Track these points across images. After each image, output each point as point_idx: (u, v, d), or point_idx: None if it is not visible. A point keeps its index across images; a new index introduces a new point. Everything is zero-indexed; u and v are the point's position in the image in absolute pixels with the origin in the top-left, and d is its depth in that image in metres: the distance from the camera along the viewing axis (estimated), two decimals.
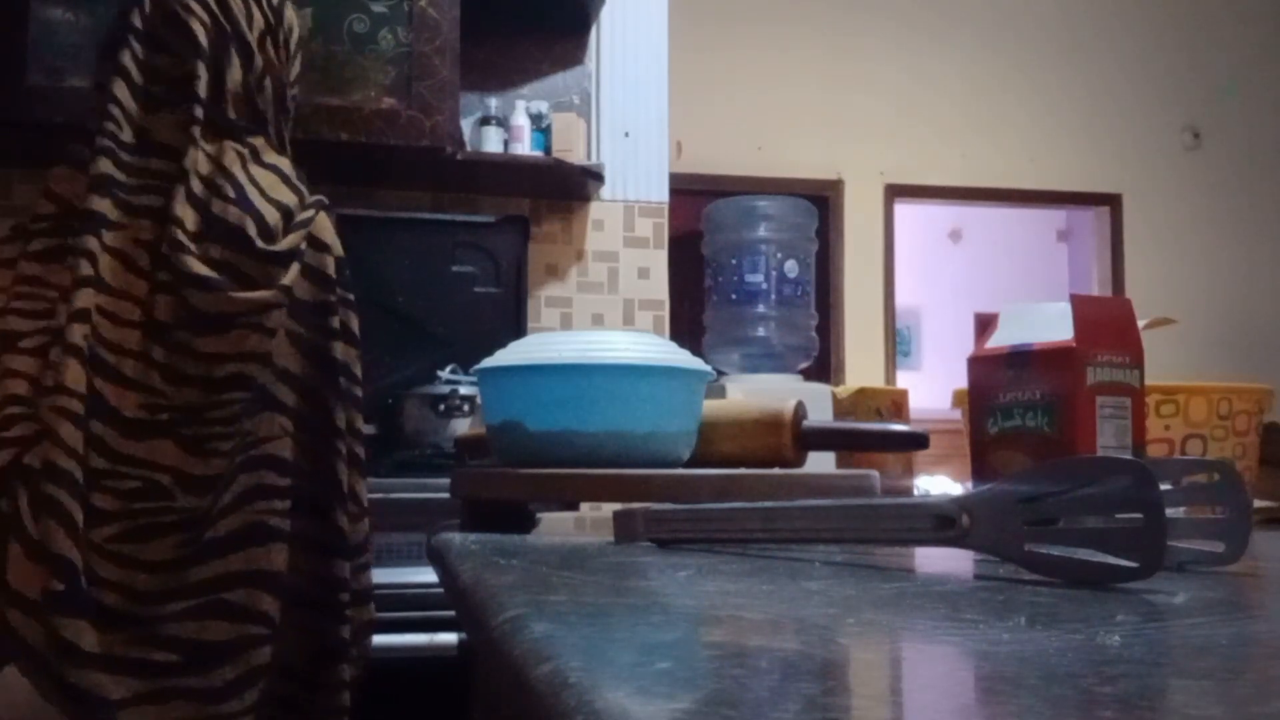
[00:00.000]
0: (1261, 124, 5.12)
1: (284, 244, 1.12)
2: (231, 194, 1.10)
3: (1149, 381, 0.92)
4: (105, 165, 1.08)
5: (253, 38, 1.18)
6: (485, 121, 2.40)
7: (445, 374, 2.16)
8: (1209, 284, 4.98)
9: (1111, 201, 5.03)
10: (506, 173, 2.34)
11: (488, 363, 0.94)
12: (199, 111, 1.13)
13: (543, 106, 2.44)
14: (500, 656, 0.40)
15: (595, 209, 2.54)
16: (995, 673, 0.35)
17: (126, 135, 1.11)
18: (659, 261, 2.58)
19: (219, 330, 1.06)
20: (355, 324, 1.21)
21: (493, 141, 2.37)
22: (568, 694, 0.30)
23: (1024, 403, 0.91)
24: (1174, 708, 0.31)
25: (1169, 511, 0.51)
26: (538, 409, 0.90)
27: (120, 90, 1.12)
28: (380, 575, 1.71)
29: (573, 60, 2.55)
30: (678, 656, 0.37)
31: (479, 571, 0.58)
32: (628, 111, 2.57)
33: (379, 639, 1.66)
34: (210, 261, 1.07)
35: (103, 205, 1.07)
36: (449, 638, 1.66)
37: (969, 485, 0.99)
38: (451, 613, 1.60)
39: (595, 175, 2.37)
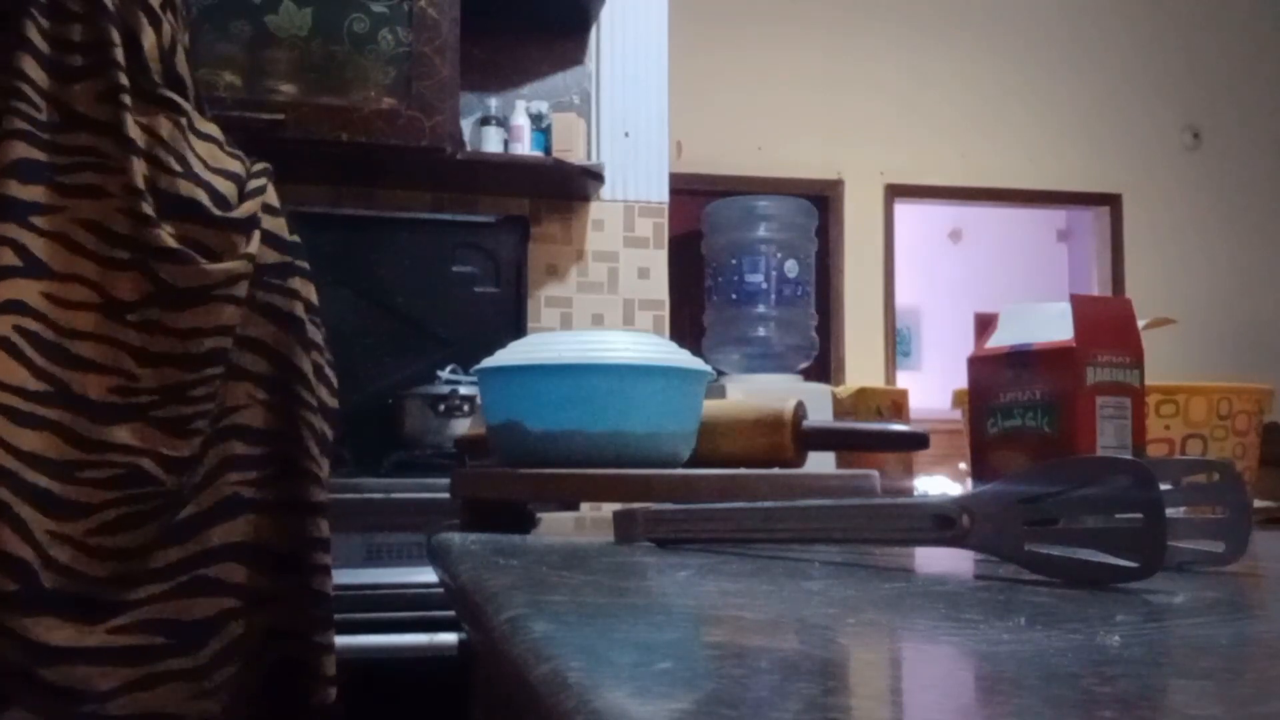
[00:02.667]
0: (1261, 124, 5.12)
1: (242, 211, 1.09)
2: (177, 167, 1.07)
3: (1149, 381, 0.92)
4: (21, 149, 1.02)
5: (155, 1, 1.12)
6: (485, 121, 2.40)
7: (445, 374, 2.16)
8: (1209, 284, 4.98)
9: (1111, 201, 5.03)
10: (506, 173, 2.34)
11: (488, 363, 0.94)
12: (123, 79, 1.06)
13: (543, 106, 2.44)
14: (500, 656, 0.40)
15: (595, 209, 2.54)
16: (995, 673, 0.35)
17: (44, 113, 1.04)
18: (659, 261, 2.58)
19: (193, 304, 1.04)
20: (310, 290, 1.18)
21: (493, 141, 2.37)
22: (568, 694, 0.30)
23: (1024, 403, 0.91)
24: (1174, 708, 0.31)
25: (1169, 511, 0.51)
26: (538, 409, 0.90)
27: (29, 65, 1.04)
28: (380, 575, 1.71)
29: (573, 60, 2.55)
30: (678, 656, 0.37)
31: (479, 571, 0.58)
32: (628, 111, 2.57)
33: (379, 639, 1.66)
34: (170, 237, 1.04)
35: (26, 191, 1.01)
36: (449, 638, 1.66)
37: (969, 485, 0.99)
38: (451, 613, 1.60)
39: (595, 175, 2.37)
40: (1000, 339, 0.96)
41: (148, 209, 1.03)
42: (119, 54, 1.07)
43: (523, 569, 0.60)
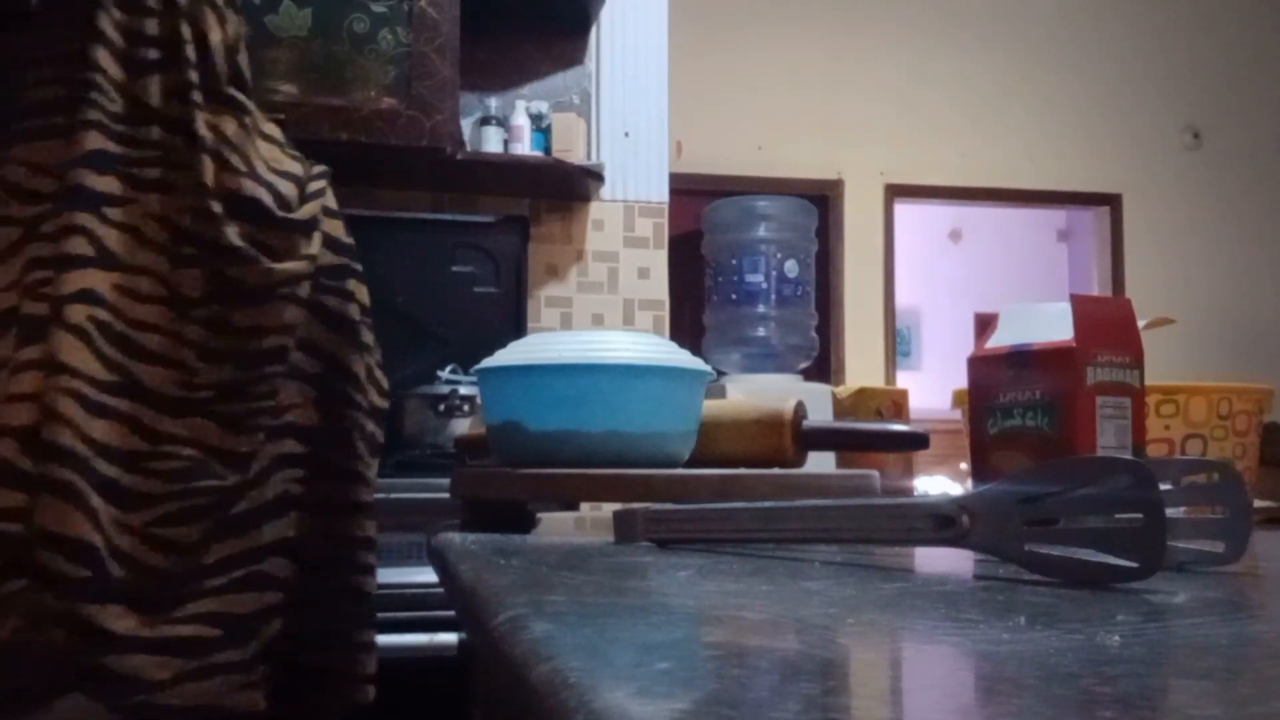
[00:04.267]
0: (1261, 124, 5.12)
1: (303, 212, 1.11)
2: (242, 167, 1.08)
3: (1149, 381, 0.92)
4: (96, 139, 1.03)
5: (224, 8, 1.13)
6: (485, 121, 2.40)
7: (445, 374, 2.16)
8: (1209, 284, 4.98)
9: (1111, 201, 5.03)
10: (506, 173, 2.34)
11: (488, 363, 0.94)
12: (194, 75, 1.08)
13: (543, 106, 2.44)
14: (500, 656, 0.40)
15: (595, 209, 2.54)
16: (995, 673, 0.35)
17: (117, 105, 1.05)
18: (659, 261, 2.58)
19: (256, 303, 1.05)
20: (363, 292, 1.19)
21: (493, 141, 2.37)
22: (568, 694, 0.30)
23: (1024, 403, 0.91)
24: (1174, 708, 0.31)
25: (1169, 511, 0.51)
26: (538, 409, 0.90)
27: (103, 57, 1.05)
28: (381, 575, 1.71)
29: (573, 60, 2.55)
30: (678, 656, 0.37)
31: (479, 571, 0.58)
32: (628, 111, 2.57)
33: (379, 639, 1.66)
34: (236, 236, 1.05)
35: (101, 182, 1.02)
36: (449, 638, 1.66)
37: (969, 485, 0.99)
38: (451, 613, 1.60)
39: (595, 175, 2.37)
40: (1000, 339, 0.96)
41: (217, 208, 1.04)
42: (190, 50, 1.08)
43: (523, 569, 0.60)
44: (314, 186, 1.14)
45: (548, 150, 2.36)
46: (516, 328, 2.41)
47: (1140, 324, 0.93)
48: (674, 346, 0.96)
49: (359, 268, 1.19)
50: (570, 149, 2.34)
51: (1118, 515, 0.53)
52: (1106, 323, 0.90)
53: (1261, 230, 5.09)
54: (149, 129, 1.06)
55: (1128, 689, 0.32)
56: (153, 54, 1.08)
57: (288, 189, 1.11)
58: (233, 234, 1.04)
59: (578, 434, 0.89)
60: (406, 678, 1.68)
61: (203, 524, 1.03)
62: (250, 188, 1.07)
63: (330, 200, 1.16)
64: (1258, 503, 0.95)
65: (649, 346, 0.93)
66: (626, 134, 2.57)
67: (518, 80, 2.50)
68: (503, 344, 0.97)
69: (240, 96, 1.12)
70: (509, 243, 2.45)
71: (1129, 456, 0.87)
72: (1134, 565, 0.51)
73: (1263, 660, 0.39)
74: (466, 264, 2.43)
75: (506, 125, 2.38)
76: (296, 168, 1.15)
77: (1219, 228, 5.06)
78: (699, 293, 3.26)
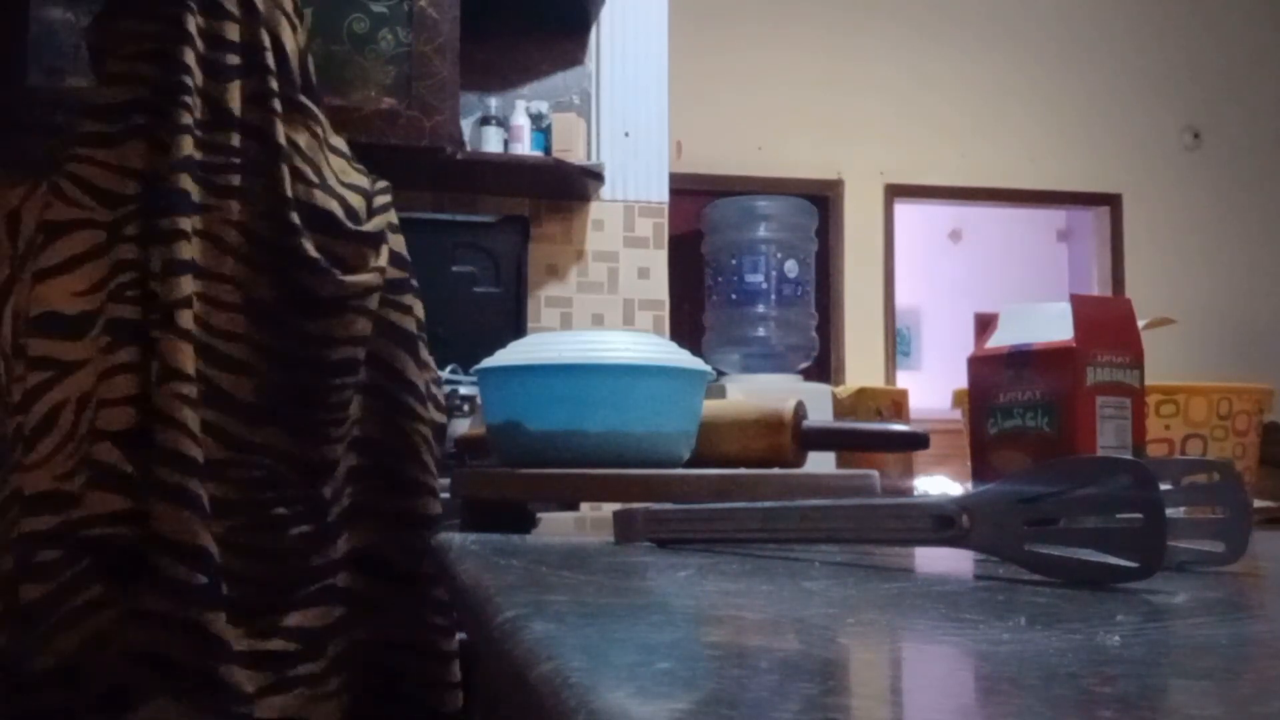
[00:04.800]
0: (1261, 124, 5.12)
1: (372, 225, 1.11)
2: (314, 178, 1.08)
3: (1149, 381, 0.92)
4: (188, 144, 1.02)
5: (290, 5, 1.13)
6: (485, 121, 2.40)
7: (445, 374, 2.16)
8: (1209, 284, 4.98)
9: (1111, 201, 5.03)
10: (506, 173, 2.34)
11: (488, 363, 0.94)
12: (274, 83, 1.07)
13: (543, 106, 2.44)
14: (500, 656, 0.40)
15: (595, 209, 2.54)
16: (995, 673, 0.35)
17: (199, 109, 1.04)
18: (659, 261, 2.58)
19: (330, 314, 1.05)
20: (419, 307, 1.19)
21: (493, 141, 2.37)
22: (568, 694, 0.30)
23: (1024, 403, 0.91)
24: (1174, 708, 0.31)
25: (1169, 511, 0.51)
26: (538, 409, 0.90)
27: (190, 59, 1.04)
28: None
29: (573, 60, 2.55)
30: (678, 656, 0.37)
31: (479, 571, 0.58)
32: (628, 111, 2.57)
33: None
34: (311, 247, 1.05)
35: (191, 186, 1.02)
36: None
37: (969, 485, 0.99)
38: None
39: (595, 175, 2.37)
40: (1000, 339, 0.96)
41: (296, 218, 1.04)
42: (269, 58, 1.08)
43: (523, 569, 0.60)
44: (380, 201, 1.15)
45: (548, 150, 2.36)
46: (516, 328, 2.41)
47: (1140, 324, 0.93)
48: (674, 346, 0.96)
49: (416, 283, 1.19)
50: (570, 149, 2.34)
51: (1118, 515, 0.53)
52: (1106, 323, 0.90)
53: (1261, 230, 5.09)
54: (228, 135, 1.06)
55: (1128, 689, 0.32)
56: (233, 59, 1.07)
57: (356, 201, 1.11)
58: (309, 245, 1.04)
59: (578, 434, 0.89)
60: None
61: (285, 534, 1.03)
62: (323, 199, 1.08)
63: (393, 215, 1.17)
64: (1258, 503, 0.95)
65: (649, 346, 0.93)
66: (626, 134, 2.57)
67: (518, 80, 2.50)
68: (503, 344, 0.97)
69: (312, 105, 1.12)
70: (509, 243, 2.45)
71: (1129, 456, 0.87)
72: (1134, 565, 0.51)
73: (1263, 660, 0.39)
74: (466, 264, 2.43)
75: (506, 125, 2.38)
76: (363, 180, 1.15)
77: (1219, 228, 5.06)
78: (699, 293, 3.26)
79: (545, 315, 2.50)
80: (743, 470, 0.95)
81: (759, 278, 3.04)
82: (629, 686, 0.31)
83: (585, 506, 1.17)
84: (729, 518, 0.70)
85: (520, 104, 2.41)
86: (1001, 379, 0.93)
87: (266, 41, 1.08)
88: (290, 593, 1.02)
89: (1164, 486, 0.52)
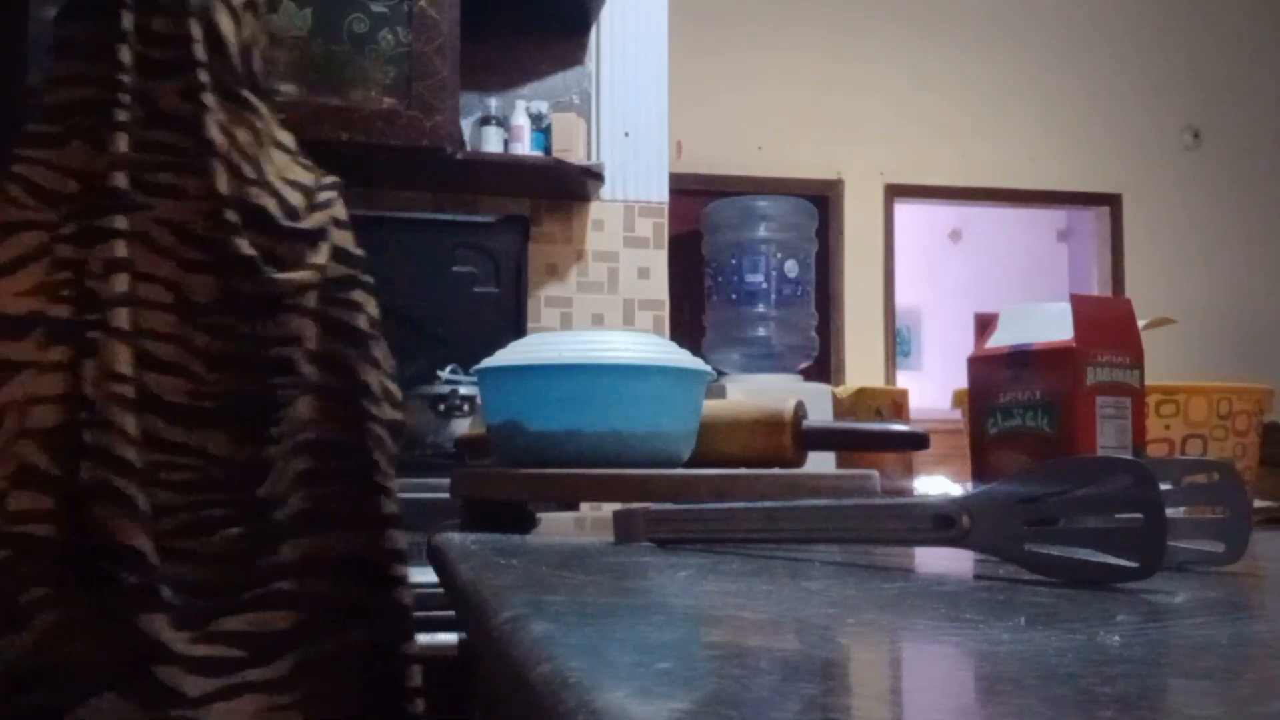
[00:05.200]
0: (1261, 124, 5.12)
1: (311, 222, 1.10)
2: (251, 174, 1.07)
3: (1149, 381, 0.92)
4: (124, 142, 1.02)
5: (238, 9, 1.12)
6: (485, 121, 2.40)
7: (445, 374, 2.16)
8: (1209, 284, 4.98)
9: (1111, 201, 5.03)
10: (506, 173, 2.34)
11: (488, 363, 0.94)
12: (205, 76, 1.06)
13: (543, 106, 2.44)
14: (500, 656, 0.40)
15: (595, 209, 2.54)
16: (995, 673, 0.35)
17: (133, 107, 1.04)
18: (659, 261, 2.58)
19: (264, 313, 1.04)
20: (371, 305, 1.18)
21: (493, 141, 2.37)
22: (568, 694, 0.30)
23: (1024, 403, 0.91)
24: (1174, 708, 0.31)
25: (1169, 511, 0.51)
26: (538, 409, 0.90)
27: (126, 57, 1.04)
28: None
29: (573, 60, 2.55)
30: (678, 656, 0.37)
31: (479, 571, 0.58)
32: (628, 111, 2.57)
33: None
34: (246, 245, 1.04)
35: (128, 185, 1.02)
36: (449, 638, 1.66)
37: (969, 485, 0.99)
38: (451, 613, 1.60)
39: (595, 175, 2.37)
40: (1000, 339, 0.96)
41: (232, 216, 1.03)
42: (200, 50, 1.07)
43: (523, 569, 0.60)
44: (323, 197, 1.14)
45: (548, 150, 2.36)
46: (516, 328, 2.41)
47: (1140, 324, 0.93)
48: (674, 346, 0.96)
49: (368, 280, 1.18)
50: (570, 149, 2.34)
51: (1118, 515, 0.53)
52: (1106, 323, 0.90)
53: (1261, 230, 5.09)
54: (160, 131, 1.05)
55: (1128, 689, 0.32)
56: (163, 53, 1.07)
57: (296, 198, 1.10)
58: (243, 243, 1.03)
59: (578, 434, 0.89)
60: None
61: (220, 538, 1.02)
62: (259, 196, 1.07)
63: (340, 211, 1.16)
64: (1258, 503, 0.95)
65: (649, 346, 0.93)
66: (626, 134, 2.57)
67: (518, 80, 2.50)
68: (503, 344, 0.97)
69: (254, 100, 1.11)
70: (509, 243, 2.45)
71: (1129, 456, 0.87)
72: (1134, 565, 0.51)
73: (1263, 660, 0.39)
74: (466, 264, 2.43)
75: (506, 125, 2.38)
76: (306, 177, 1.14)
77: (1219, 228, 5.06)
78: (699, 293, 3.26)
79: (545, 315, 2.50)
80: (743, 470, 0.95)
81: (759, 278, 3.04)
82: (629, 686, 0.31)
83: (585, 506, 1.17)
84: (729, 518, 0.70)
85: (520, 104, 2.41)
86: (1001, 379, 0.93)
87: (198, 34, 1.07)
88: (231, 596, 1.01)
89: (1164, 486, 0.52)
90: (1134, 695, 0.31)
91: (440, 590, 0.75)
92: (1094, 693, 0.31)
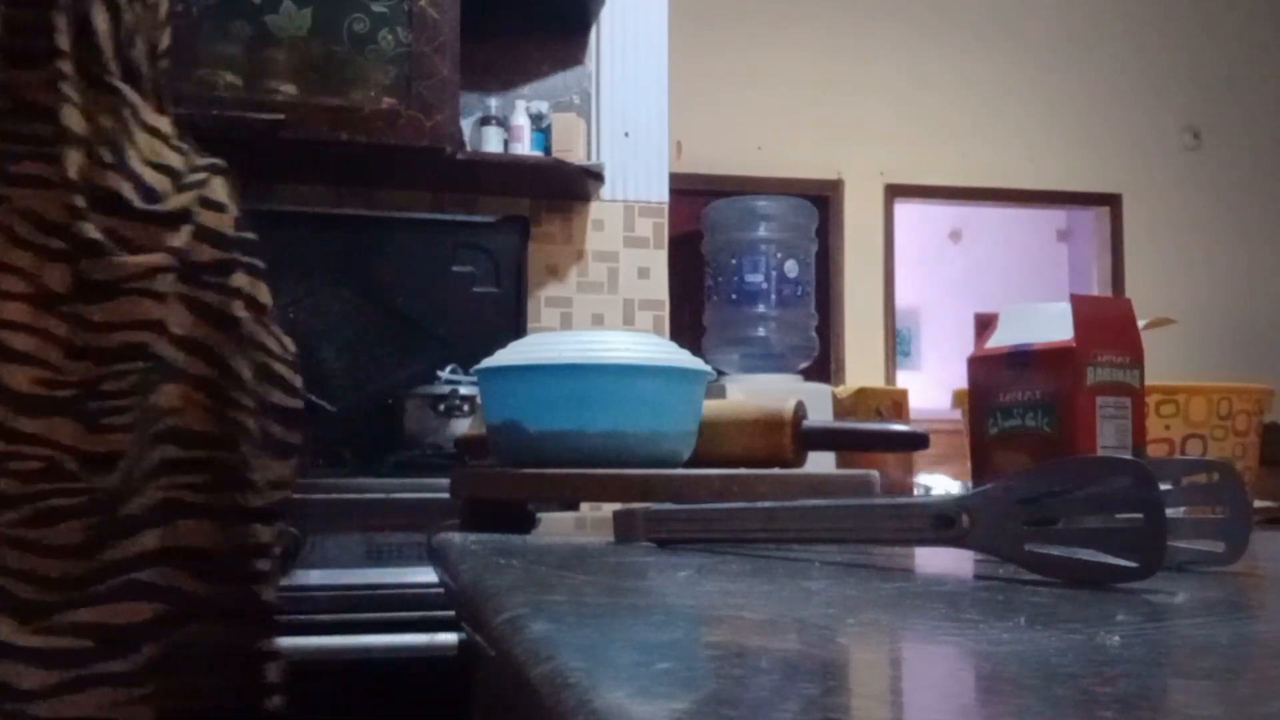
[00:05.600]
0: (1261, 124, 5.12)
1: (170, 205, 1.08)
2: (109, 159, 1.06)
3: (1149, 381, 0.92)
4: None
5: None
6: (485, 121, 2.40)
7: (445, 374, 2.16)
8: (1209, 284, 4.98)
9: (1111, 201, 5.03)
10: (506, 173, 2.34)
11: (488, 363, 0.94)
12: (65, 65, 1.06)
13: (543, 106, 2.44)
14: (500, 656, 0.40)
15: (595, 209, 2.54)
16: (995, 673, 0.35)
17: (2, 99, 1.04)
18: (659, 261, 2.58)
19: (108, 298, 1.03)
20: (263, 290, 1.15)
21: (493, 141, 2.37)
22: (568, 694, 0.30)
23: (1024, 403, 0.91)
24: (1174, 708, 0.31)
25: (1169, 511, 0.51)
26: (538, 409, 0.90)
27: None
28: (380, 575, 1.72)
29: (573, 60, 2.55)
30: (678, 656, 0.37)
31: (479, 571, 0.58)
32: (628, 111, 2.57)
33: (379, 639, 1.66)
34: (95, 230, 1.03)
35: None
36: (449, 638, 1.67)
37: (969, 485, 0.99)
38: (451, 613, 1.60)
39: (595, 175, 2.37)
40: (1000, 339, 0.96)
41: (80, 201, 1.02)
42: (63, 40, 1.06)
43: (523, 569, 0.60)
44: (193, 179, 1.11)
45: (548, 150, 2.36)
46: (516, 328, 2.41)
47: (1140, 324, 0.93)
48: (674, 346, 0.96)
49: (253, 262, 1.15)
50: (570, 149, 2.34)
51: (1118, 515, 0.53)
52: (1106, 323, 0.90)
53: (1261, 230, 5.09)
54: (26, 122, 1.05)
55: (1128, 689, 0.32)
56: (26, 44, 1.07)
57: (157, 180, 1.08)
58: (91, 228, 1.02)
59: (578, 434, 0.89)
60: (406, 678, 1.68)
61: (70, 527, 1.00)
62: (113, 180, 1.05)
63: (214, 192, 1.13)
64: (1258, 503, 0.95)
65: (649, 346, 0.93)
66: (626, 134, 2.57)
67: (518, 80, 2.50)
68: (503, 344, 0.97)
69: (123, 88, 1.10)
70: (509, 243, 2.45)
71: (1129, 456, 0.87)
72: (1134, 565, 0.51)
73: (1263, 660, 0.39)
74: (466, 264, 2.43)
75: (506, 125, 2.38)
76: (176, 160, 1.12)
77: (1219, 228, 5.06)
78: (699, 293, 3.26)
79: (545, 315, 2.50)
80: (743, 470, 0.95)
81: (759, 278, 3.04)
82: (629, 686, 0.31)
83: (585, 506, 1.17)
84: (729, 518, 0.70)
85: (520, 104, 2.41)
86: (1001, 379, 0.93)
87: (63, 25, 1.07)
88: (79, 588, 1.00)
89: (1164, 486, 0.52)
90: (1134, 695, 0.31)
91: (440, 590, 0.75)
92: (1094, 693, 0.31)
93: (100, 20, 1.09)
